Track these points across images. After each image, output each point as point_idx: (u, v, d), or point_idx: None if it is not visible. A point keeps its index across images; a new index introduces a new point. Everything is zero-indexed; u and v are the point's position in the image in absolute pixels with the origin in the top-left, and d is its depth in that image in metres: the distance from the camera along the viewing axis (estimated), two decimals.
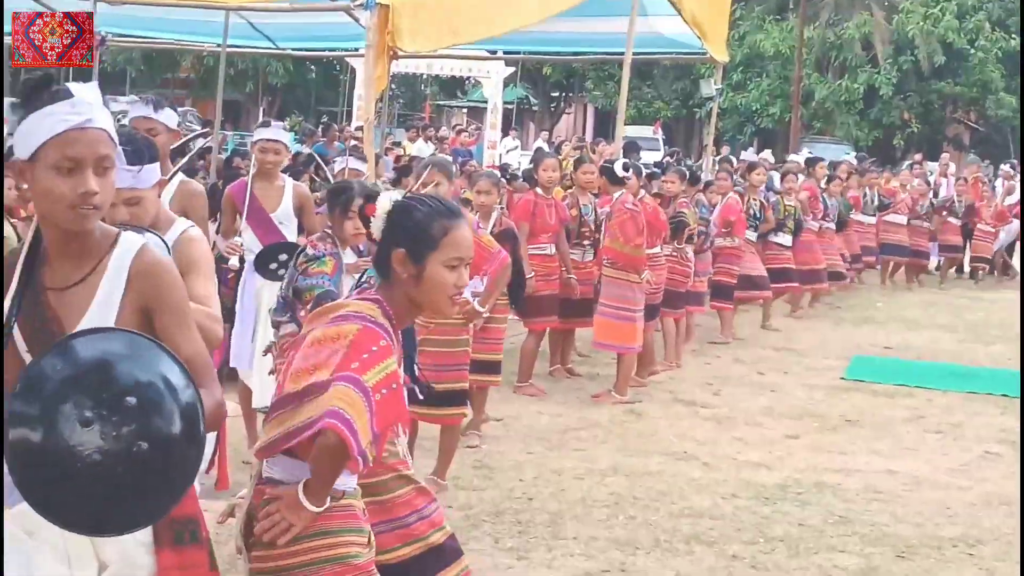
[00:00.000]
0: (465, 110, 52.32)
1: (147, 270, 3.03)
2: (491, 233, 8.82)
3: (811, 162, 18.03)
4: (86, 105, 2.94)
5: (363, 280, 5.10)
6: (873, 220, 19.41)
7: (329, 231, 6.66)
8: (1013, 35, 41.61)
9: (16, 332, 3.00)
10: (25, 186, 3.00)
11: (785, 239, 14.84)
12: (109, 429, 2.69)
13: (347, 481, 3.47)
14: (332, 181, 8.59)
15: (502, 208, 9.57)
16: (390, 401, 3.33)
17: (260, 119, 8.64)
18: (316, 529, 3.36)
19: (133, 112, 6.14)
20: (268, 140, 8.21)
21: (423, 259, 3.42)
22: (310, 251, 6.55)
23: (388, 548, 3.85)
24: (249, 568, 3.47)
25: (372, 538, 3.61)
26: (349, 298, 3.61)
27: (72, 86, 3.00)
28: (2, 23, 11.22)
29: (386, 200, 3.54)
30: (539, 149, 22.19)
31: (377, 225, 3.50)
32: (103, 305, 3.00)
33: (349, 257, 6.78)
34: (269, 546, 3.36)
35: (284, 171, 8.60)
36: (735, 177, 15.03)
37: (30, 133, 2.92)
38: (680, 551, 6.78)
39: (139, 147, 4.36)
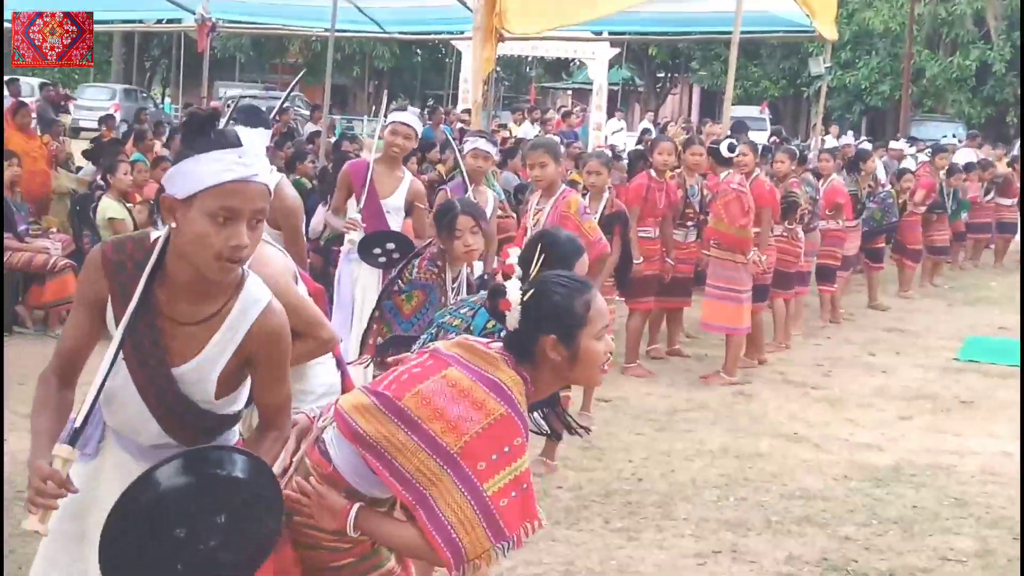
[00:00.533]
0: (570, 92, 52.33)
1: (267, 335, 3.10)
2: (602, 215, 8.79)
3: (936, 150, 17.77)
4: (253, 157, 2.93)
5: (490, 325, 4.92)
6: (988, 198, 19.11)
7: (439, 248, 6.52)
8: None
9: (116, 334, 3.07)
10: (173, 224, 2.96)
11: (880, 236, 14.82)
12: (195, 543, 2.90)
13: (386, 490, 3.44)
14: (463, 163, 8.46)
15: (610, 189, 9.53)
16: (518, 505, 3.25)
17: (371, 103, 8.60)
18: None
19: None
20: (400, 123, 8.01)
21: (575, 339, 3.34)
22: (413, 273, 6.34)
23: None
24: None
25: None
26: (503, 353, 3.41)
27: (242, 132, 3.02)
28: (2, 22, 11.14)
29: (515, 291, 3.43)
30: (646, 130, 22.12)
31: (515, 317, 3.40)
32: (215, 353, 3.07)
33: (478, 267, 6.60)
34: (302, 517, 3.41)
35: None
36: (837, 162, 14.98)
37: (191, 174, 2.89)
38: (792, 532, 6.76)
39: None
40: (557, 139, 11.19)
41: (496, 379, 3.29)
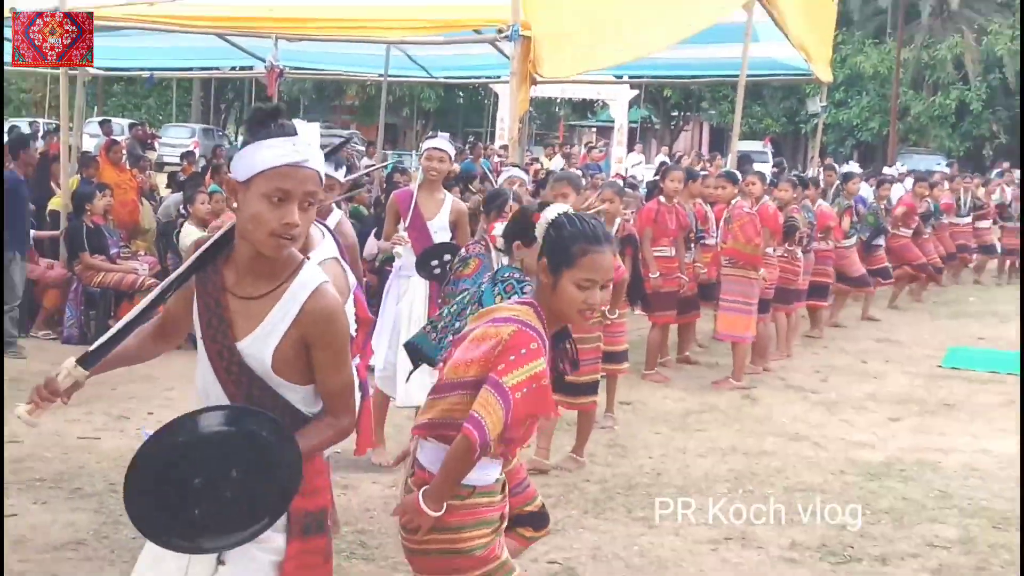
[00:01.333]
0: (594, 129, 52.15)
1: (318, 315, 3.03)
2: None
3: (918, 178, 17.74)
4: (305, 145, 2.92)
5: (503, 275, 5.12)
6: (968, 220, 18.93)
7: (484, 234, 6.60)
8: None
9: (195, 312, 3.08)
10: (235, 205, 2.97)
11: (880, 240, 14.67)
12: (215, 492, 2.85)
13: (481, 476, 3.53)
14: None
15: (633, 213, 9.50)
16: (532, 397, 3.37)
17: (419, 140, 8.42)
18: (440, 525, 3.46)
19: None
20: (434, 148, 7.87)
21: (559, 272, 3.39)
22: (463, 253, 6.54)
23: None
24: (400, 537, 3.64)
25: (503, 521, 3.69)
26: (509, 301, 3.66)
27: (297, 124, 2.98)
28: (2, 23, 10.18)
29: (552, 211, 3.50)
30: (663, 163, 22.04)
31: (538, 232, 3.50)
32: (269, 328, 3.02)
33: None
34: (409, 530, 3.52)
35: None
36: (835, 187, 15.07)
37: (250, 159, 2.89)
38: (795, 522, 6.71)
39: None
40: (579, 173, 11.16)
41: (500, 316, 3.49)
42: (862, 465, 8.01)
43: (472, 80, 24.89)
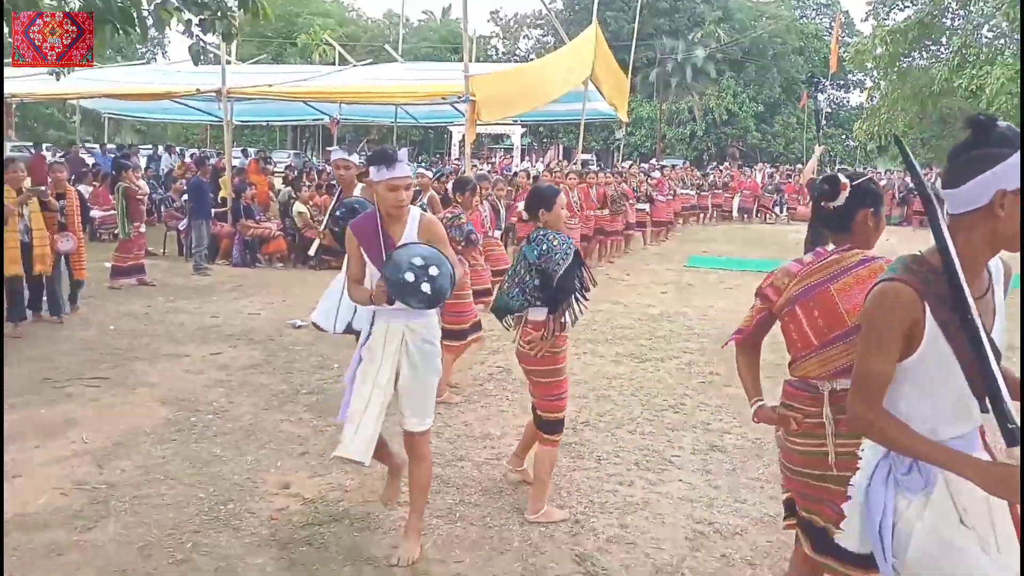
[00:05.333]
0: (502, 150, 51.60)
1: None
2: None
3: (653, 168, 17.88)
4: None
5: (535, 236, 3.56)
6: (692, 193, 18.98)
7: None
8: (761, 103, 40.97)
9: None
10: (1002, 213, 1.66)
11: (644, 206, 14.15)
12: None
13: None
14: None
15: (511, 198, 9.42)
16: None
17: (410, 159, 7.48)
18: None
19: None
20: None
21: (879, 213, 2.38)
22: (449, 215, 5.37)
23: None
24: None
25: None
26: (853, 251, 2.41)
27: None
28: (2, 23, 7.39)
29: (845, 179, 2.39)
30: (542, 169, 21.97)
31: (844, 195, 2.37)
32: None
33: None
34: None
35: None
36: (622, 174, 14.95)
37: (991, 184, 1.69)
38: (613, 340, 6.68)
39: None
40: (470, 177, 10.90)
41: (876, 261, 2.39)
42: (648, 314, 8.07)
43: (439, 124, 24.62)
